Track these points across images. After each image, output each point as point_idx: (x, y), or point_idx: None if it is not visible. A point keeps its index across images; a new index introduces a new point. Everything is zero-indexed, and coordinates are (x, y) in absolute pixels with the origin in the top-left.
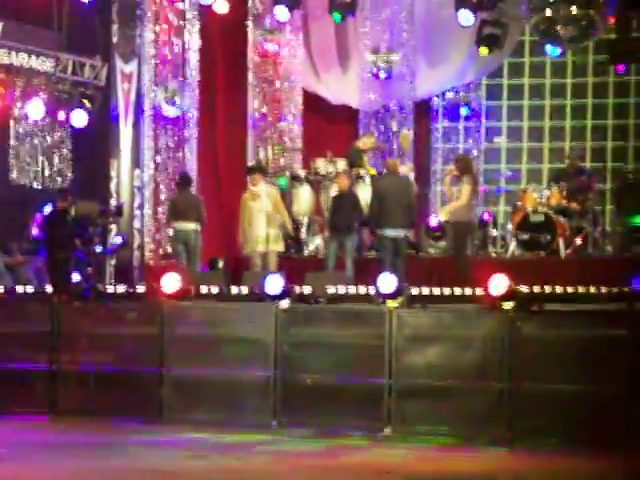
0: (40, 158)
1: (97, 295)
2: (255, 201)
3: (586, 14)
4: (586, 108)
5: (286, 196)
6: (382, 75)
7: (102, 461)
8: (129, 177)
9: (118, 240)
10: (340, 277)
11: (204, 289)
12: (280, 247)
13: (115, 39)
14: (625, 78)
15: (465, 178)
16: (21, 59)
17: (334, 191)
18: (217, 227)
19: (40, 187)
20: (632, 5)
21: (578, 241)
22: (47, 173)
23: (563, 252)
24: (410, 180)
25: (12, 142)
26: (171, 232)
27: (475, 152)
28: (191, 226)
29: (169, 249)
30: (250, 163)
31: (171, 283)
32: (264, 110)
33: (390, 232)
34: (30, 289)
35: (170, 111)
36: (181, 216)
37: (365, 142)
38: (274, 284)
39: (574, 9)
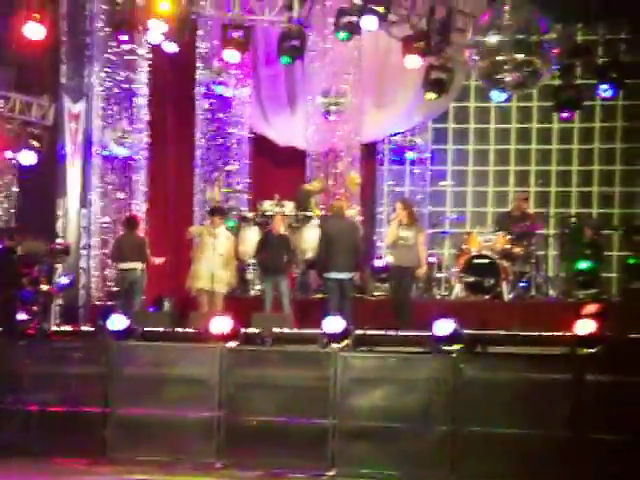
0: None
1: (42, 334)
2: (211, 237)
3: (530, 61)
4: (530, 153)
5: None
6: (332, 118)
7: None
8: (76, 216)
9: (65, 280)
10: (286, 318)
11: (150, 328)
12: (225, 289)
13: (64, 79)
14: (569, 124)
15: (418, 225)
16: None
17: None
18: (165, 267)
19: None
20: (575, 53)
21: (521, 285)
22: None
23: (507, 296)
24: (356, 223)
25: None
26: (115, 272)
27: (421, 195)
28: (137, 265)
29: (114, 288)
30: (198, 202)
31: (118, 322)
32: (212, 151)
33: (336, 275)
34: None
35: (119, 151)
36: (126, 257)
37: (314, 185)
38: (220, 325)
39: (519, 56)
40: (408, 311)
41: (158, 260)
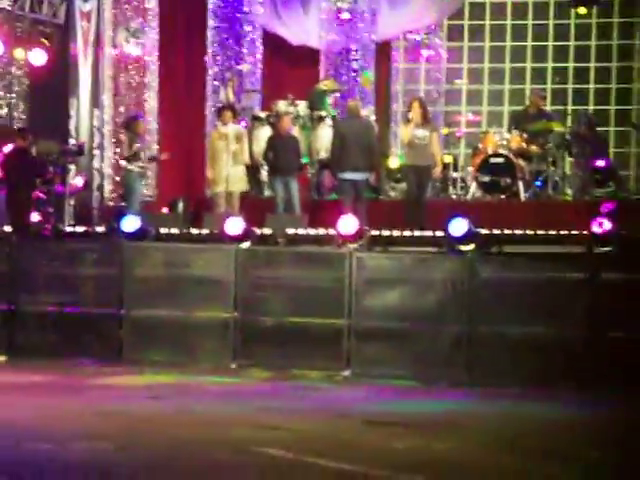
0: None
1: (57, 235)
2: (223, 141)
3: None
4: (547, 50)
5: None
6: (344, 16)
7: (61, 401)
8: (88, 117)
9: (80, 181)
10: (299, 219)
11: (164, 230)
12: (243, 187)
13: None
14: (586, 20)
15: (432, 124)
16: None
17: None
18: (177, 168)
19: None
20: None
21: (537, 184)
22: (5, 112)
23: (523, 195)
24: (371, 122)
25: None
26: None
27: (435, 94)
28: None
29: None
30: (210, 103)
31: (131, 224)
32: (224, 51)
33: (351, 175)
34: None
35: (131, 50)
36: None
37: (326, 84)
38: (234, 225)
39: None
40: (423, 211)
41: (163, 156)
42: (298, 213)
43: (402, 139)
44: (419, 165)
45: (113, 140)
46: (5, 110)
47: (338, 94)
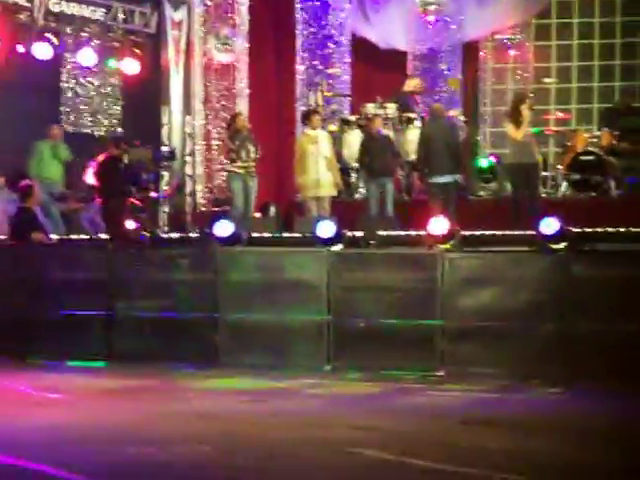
0: (92, 106)
1: (152, 241)
2: (313, 144)
3: None
4: (636, 47)
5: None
6: (430, 18)
7: (162, 406)
8: (180, 124)
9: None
10: (390, 221)
11: (257, 234)
12: (334, 192)
13: None
14: None
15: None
16: (72, 8)
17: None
18: (268, 173)
19: (93, 134)
20: None
21: (629, 181)
22: (99, 120)
23: (614, 192)
24: (456, 124)
25: (64, 90)
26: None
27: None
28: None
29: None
30: (301, 108)
31: (224, 229)
32: (313, 55)
33: (439, 178)
34: (85, 237)
35: (221, 57)
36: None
37: (408, 84)
38: (326, 229)
39: None
40: (538, 207)
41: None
42: (391, 215)
43: (514, 137)
44: (527, 162)
45: (204, 146)
46: (100, 119)
47: (423, 94)
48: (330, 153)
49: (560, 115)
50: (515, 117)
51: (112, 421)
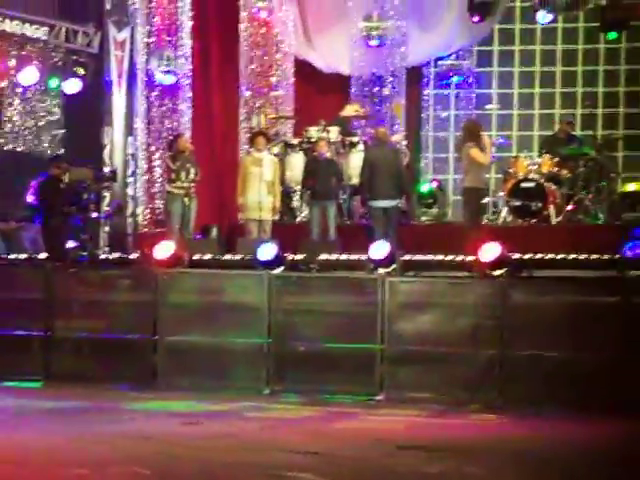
0: (33, 125)
1: (92, 261)
2: (256, 167)
3: None
4: (576, 75)
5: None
6: (374, 42)
7: (97, 427)
8: (122, 144)
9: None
10: (332, 244)
11: (197, 256)
12: (275, 216)
13: (108, 6)
14: (616, 45)
15: (467, 145)
16: (15, 26)
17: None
18: (210, 194)
19: (33, 154)
20: None
21: (569, 208)
22: (40, 140)
23: (554, 219)
24: (399, 149)
25: (5, 109)
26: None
27: (466, 119)
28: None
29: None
30: (242, 130)
31: (164, 250)
32: (256, 78)
33: (380, 203)
34: (24, 256)
35: (164, 79)
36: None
37: (347, 109)
38: (267, 251)
39: None
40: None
41: None
42: (332, 238)
43: (482, 162)
44: (482, 188)
45: (146, 167)
46: (40, 139)
47: (363, 119)
48: (272, 177)
49: (501, 141)
50: (478, 142)
51: (46, 442)
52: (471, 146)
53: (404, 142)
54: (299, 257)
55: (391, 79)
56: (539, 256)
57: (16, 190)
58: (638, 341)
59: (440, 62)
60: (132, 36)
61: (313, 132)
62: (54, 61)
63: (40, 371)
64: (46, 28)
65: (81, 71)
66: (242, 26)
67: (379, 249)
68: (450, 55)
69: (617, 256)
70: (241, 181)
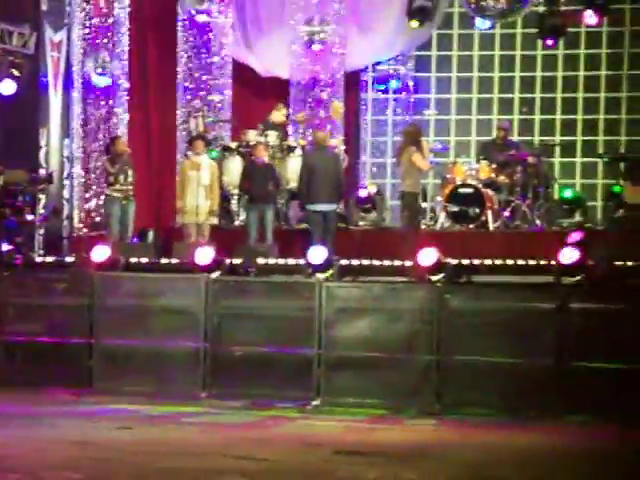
0: None
1: (27, 264)
2: (194, 171)
3: None
4: (514, 81)
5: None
6: (316, 47)
7: (29, 431)
8: (58, 146)
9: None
10: (269, 249)
11: (134, 260)
12: (213, 220)
13: (45, 7)
14: (553, 52)
15: (408, 149)
16: None
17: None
18: (147, 197)
19: None
20: None
21: (506, 214)
22: None
23: (492, 225)
24: (338, 153)
25: None
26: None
27: (403, 124)
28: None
29: (98, 219)
30: (180, 133)
31: (101, 253)
32: (194, 81)
33: (319, 207)
34: None
35: (100, 81)
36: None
37: (275, 115)
38: (205, 255)
39: None
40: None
41: None
42: (270, 243)
43: (423, 167)
44: (417, 192)
45: (83, 170)
46: None
47: (290, 125)
48: (210, 180)
49: (438, 146)
50: (419, 147)
51: None
52: (414, 151)
53: (342, 146)
54: (237, 261)
55: (330, 83)
56: (477, 262)
57: None
58: (573, 348)
59: (378, 67)
60: (68, 37)
61: (251, 136)
62: None
63: None
64: None
65: (16, 72)
66: (180, 29)
67: (317, 254)
68: (389, 60)
69: (554, 262)
70: (180, 185)
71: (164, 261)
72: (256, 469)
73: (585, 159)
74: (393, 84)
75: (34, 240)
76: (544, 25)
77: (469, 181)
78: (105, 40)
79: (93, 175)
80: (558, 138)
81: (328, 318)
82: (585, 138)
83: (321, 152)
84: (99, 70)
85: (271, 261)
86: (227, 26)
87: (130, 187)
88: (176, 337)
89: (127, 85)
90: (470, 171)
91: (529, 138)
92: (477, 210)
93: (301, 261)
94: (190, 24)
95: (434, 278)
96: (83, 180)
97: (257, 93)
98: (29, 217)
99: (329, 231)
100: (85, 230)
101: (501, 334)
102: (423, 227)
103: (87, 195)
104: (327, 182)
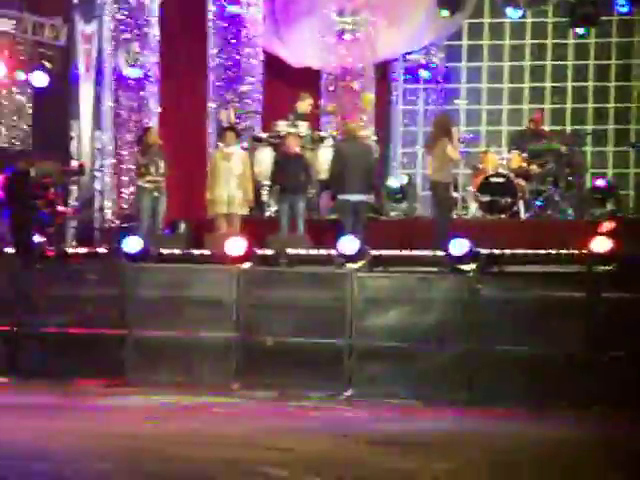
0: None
1: (59, 256)
2: (226, 161)
3: None
4: (545, 70)
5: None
6: (347, 37)
7: (62, 422)
8: (90, 138)
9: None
10: (301, 239)
11: (166, 251)
12: (245, 211)
13: None
14: (585, 40)
15: (441, 141)
16: None
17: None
18: (179, 189)
19: (0, 148)
20: None
21: (538, 203)
22: (7, 134)
23: (523, 214)
24: (370, 144)
25: None
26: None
27: (435, 114)
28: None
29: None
30: (211, 124)
31: (134, 244)
32: (225, 72)
33: (350, 197)
34: None
35: (131, 73)
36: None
37: (300, 105)
38: (237, 246)
39: None
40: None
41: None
42: (301, 233)
43: (456, 158)
44: (451, 182)
45: (114, 161)
46: (7, 133)
47: (320, 115)
48: (242, 171)
49: (469, 136)
50: (450, 138)
51: (10, 437)
52: (447, 142)
53: (374, 137)
54: (268, 252)
55: (361, 74)
56: (508, 251)
57: None
58: (605, 337)
59: (409, 57)
60: (100, 29)
61: (282, 126)
62: (21, 54)
63: (6, 367)
64: (13, 21)
65: (48, 64)
66: (210, 20)
67: (348, 244)
68: (420, 50)
69: (585, 252)
70: (210, 176)
71: (196, 252)
72: (287, 460)
73: (617, 148)
74: (424, 74)
75: (66, 232)
76: (575, 14)
77: (500, 170)
78: (136, 32)
79: (124, 166)
80: (589, 127)
81: (359, 308)
82: (617, 127)
83: (352, 143)
84: (130, 62)
85: (302, 251)
86: (258, 17)
87: (161, 178)
88: (208, 328)
89: (158, 76)
90: (501, 161)
91: (561, 127)
92: (509, 200)
93: (332, 252)
94: (220, 15)
95: (466, 268)
96: (114, 172)
97: (288, 84)
98: (61, 209)
99: (360, 221)
100: (117, 221)
101: (533, 324)
102: (454, 217)
103: (118, 187)
104: (358, 173)
